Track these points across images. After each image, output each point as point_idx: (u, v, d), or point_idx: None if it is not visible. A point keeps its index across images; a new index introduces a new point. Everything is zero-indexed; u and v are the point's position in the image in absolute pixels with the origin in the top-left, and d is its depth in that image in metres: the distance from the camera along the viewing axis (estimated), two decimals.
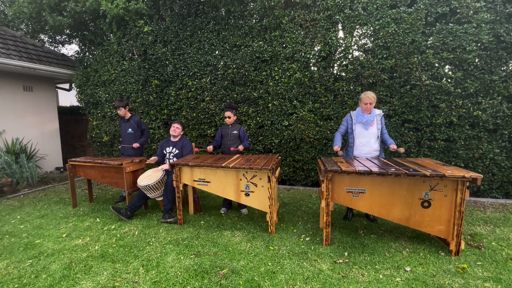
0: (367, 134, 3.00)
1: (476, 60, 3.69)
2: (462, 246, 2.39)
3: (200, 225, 3.19)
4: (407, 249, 2.53)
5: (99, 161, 3.65)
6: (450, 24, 3.68)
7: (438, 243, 2.61)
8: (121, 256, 2.53)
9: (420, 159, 2.89)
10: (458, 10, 3.64)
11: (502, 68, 3.67)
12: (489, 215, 3.32)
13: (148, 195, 3.39)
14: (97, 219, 3.47)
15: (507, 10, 3.50)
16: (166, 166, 3.46)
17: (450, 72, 3.83)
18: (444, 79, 3.83)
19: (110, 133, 5.78)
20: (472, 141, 3.81)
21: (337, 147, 3.01)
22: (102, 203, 4.13)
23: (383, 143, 3.10)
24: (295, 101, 4.49)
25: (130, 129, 4.04)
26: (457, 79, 3.76)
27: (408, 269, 2.22)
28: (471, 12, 3.59)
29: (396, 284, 2.04)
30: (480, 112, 3.68)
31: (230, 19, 4.73)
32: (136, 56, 5.38)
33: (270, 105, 4.60)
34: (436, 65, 3.83)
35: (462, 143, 3.83)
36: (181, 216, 3.17)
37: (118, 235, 2.96)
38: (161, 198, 3.45)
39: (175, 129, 3.56)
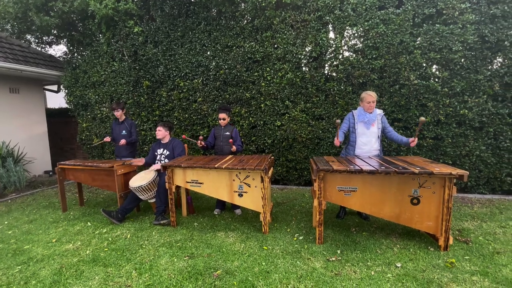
0: (368, 134, 3.04)
1: (462, 60, 3.79)
2: (451, 241, 2.45)
3: (194, 226, 3.18)
4: (398, 246, 2.58)
5: (89, 164, 3.59)
6: (436, 25, 3.77)
7: (428, 239, 2.68)
8: (113, 260, 2.50)
9: (410, 157, 2.96)
10: (444, 11, 3.74)
11: (488, 68, 3.78)
12: (476, 211, 3.41)
13: (140, 196, 3.36)
14: (88, 223, 3.42)
15: (491, 11, 3.61)
16: (157, 166, 3.43)
17: (437, 72, 3.93)
18: (432, 78, 3.92)
19: (101, 135, 5.69)
20: (459, 138, 3.91)
21: (336, 140, 2.90)
22: (93, 207, 4.07)
23: (393, 141, 3.12)
24: (287, 101, 4.52)
25: (124, 131, 4.01)
26: (444, 79, 3.85)
27: (399, 265, 2.27)
28: (457, 13, 3.69)
29: (388, 280, 2.08)
30: (466, 111, 3.78)
31: (221, 19, 4.73)
32: (126, 57, 5.31)
33: (262, 105, 4.61)
34: (424, 65, 3.92)
35: (450, 141, 3.93)
36: (174, 218, 3.16)
37: (110, 239, 2.92)
38: (153, 200, 3.42)
39: (158, 132, 3.53)
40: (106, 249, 2.70)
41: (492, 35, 3.64)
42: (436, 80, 3.91)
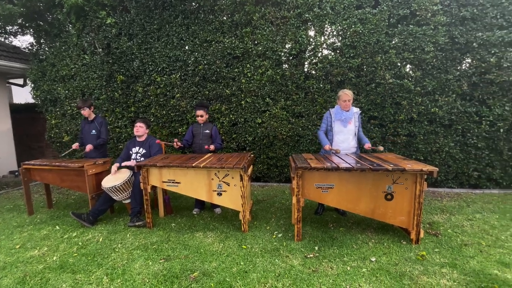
0: (346, 131, 3.09)
1: (434, 60, 3.94)
2: (422, 234, 2.56)
3: (171, 227, 3.08)
4: (373, 240, 2.66)
5: (57, 163, 3.37)
6: (410, 25, 3.89)
7: (401, 233, 2.77)
8: (83, 265, 2.36)
9: (384, 154, 3.04)
10: (417, 13, 3.86)
11: (457, 68, 3.97)
12: (445, 204, 3.59)
13: (114, 197, 3.20)
14: (57, 226, 3.22)
15: (461, 13, 3.77)
16: (131, 162, 3.28)
17: (410, 72, 4.07)
18: (406, 78, 4.05)
19: (72, 132, 5.38)
20: (430, 136, 4.09)
21: (328, 146, 3.03)
22: (63, 209, 3.84)
23: (358, 140, 3.20)
24: (267, 99, 4.49)
25: (93, 131, 3.78)
26: (417, 78, 4.00)
27: (373, 259, 2.33)
28: (429, 14, 3.82)
29: (362, 275, 2.13)
30: (437, 109, 3.95)
31: (199, 13, 4.59)
32: (99, 49, 5.03)
33: (243, 102, 4.56)
34: (399, 64, 4.03)
35: (422, 137, 4.09)
36: (150, 219, 3.04)
37: (80, 243, 2.76)
38: (128, 201, 3.27)
39: (138, 128, 3.38)
40: (76, 254, 2.55)
41: (461, 36, 3.82)
42: (410, 79, 4.05)
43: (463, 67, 4.00)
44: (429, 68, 3.96)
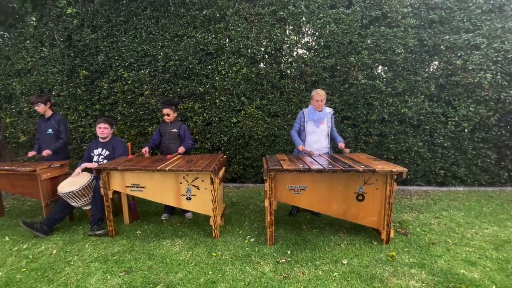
0: (318, 132, 3.05)
1: (404, 62, 4.02)
2: (392, 234, 2.58)
3: (136, 235, 2.87)
4: (345, 242, 2.64)
5: (5, 167, 3.02)
6: (382, 27, 3.94)
7: (372, 233, 2.79)
8: (31, 282, 2.11)
9: (356, 155, 3.04)
10: (389, 15, 3.92)
11: (425, 70, 4.08)
12: (414, 202, 3.69)
13: (72, 204, 2.93)
14: (6, 237, 2.89)
15: (430, 16, 3.88)
16: (93, 164, 3.02)
17: (382, 73, 4.13)
18: (377, 79, 4.10)
19: (29, 132, 4.92)
20: (400, 135, 4.19)
21: (301, 146, 2.98)
22: (16, 217, 3.47)
23: (332, 139, 3.18)
24: (243, 98, 4.36)
25: (50, 130, 3.43)
26: (388, 79, 4.07)
27: (345, 262, 2.30)
28: (400, 16, 3.89)
29: (334, 279, 2.09)
30: (406, 110, 4.05)
31: (170, 6, 4.35)
32: (59, 42, 4.61)
33: (217, 101, 4.40)
34: (371, 65, 4.08)
35: (392, 137, 4.18)
36: (112, 227, 2.81)
37: (31, 256, 2.48)
38: (89, 207, 3.01)
39: (103, 130, 3.11)
40: (24, 269, 2.28)
41: (430, 39, 3.93)
42: (381, 80, 4.11)
43: (431, 69, 4.13)
44: (400, 69, 4.04)
